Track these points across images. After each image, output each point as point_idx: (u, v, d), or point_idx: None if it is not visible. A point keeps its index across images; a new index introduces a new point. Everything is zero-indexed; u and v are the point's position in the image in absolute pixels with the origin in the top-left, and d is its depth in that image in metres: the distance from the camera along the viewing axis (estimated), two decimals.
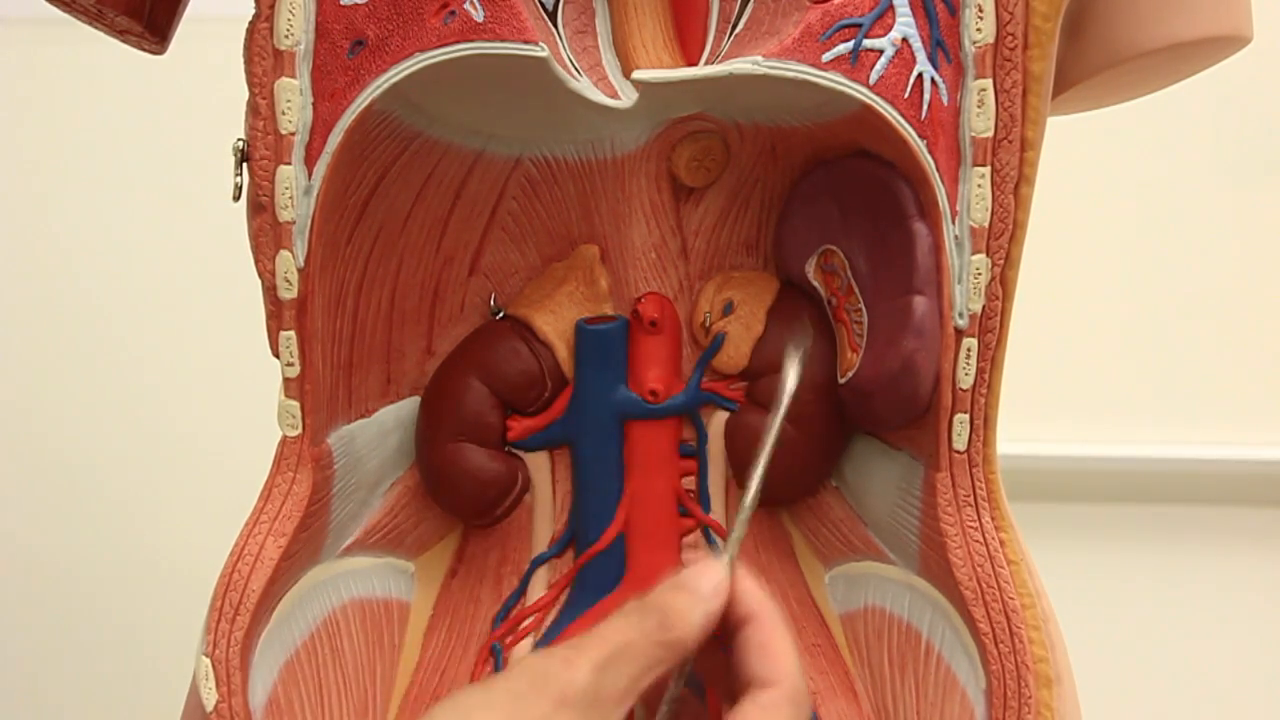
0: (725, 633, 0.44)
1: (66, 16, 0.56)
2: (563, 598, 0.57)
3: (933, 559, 0.52)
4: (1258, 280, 1.26)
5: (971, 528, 0.51)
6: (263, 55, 0.48)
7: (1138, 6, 0.52)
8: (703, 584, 0.44)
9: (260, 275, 0.50)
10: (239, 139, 0.50)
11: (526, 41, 0.47)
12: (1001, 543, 0.51)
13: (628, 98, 0.50)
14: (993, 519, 0.51)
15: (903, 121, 0.48)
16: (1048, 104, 0.50)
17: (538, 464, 0.57)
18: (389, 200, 0.52)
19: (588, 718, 0.40)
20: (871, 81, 0.48)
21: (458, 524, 0.58)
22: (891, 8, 0.48)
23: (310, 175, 0.49)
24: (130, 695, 1.36)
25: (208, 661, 0.49)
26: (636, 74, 0.50)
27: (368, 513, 0.56)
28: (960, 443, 0.51)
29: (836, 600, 0.57)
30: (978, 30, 0.48)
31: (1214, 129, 1.24)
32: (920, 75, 0.48)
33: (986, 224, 0.49)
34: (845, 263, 0.52)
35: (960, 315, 0.50)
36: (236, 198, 0.51)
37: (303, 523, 0.51)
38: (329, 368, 0.52)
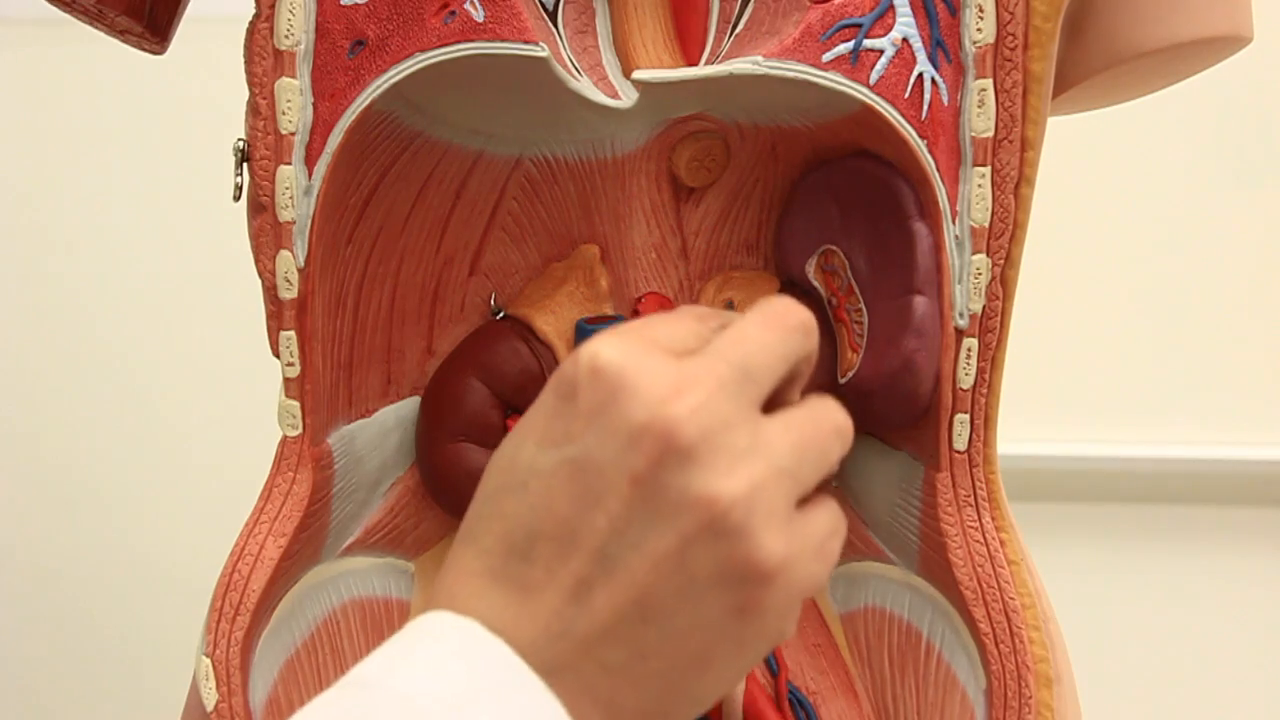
0: None
1: (66, 16, 0.56)
2: None
3: (933, 559, 0.52)
4: (1257, 280, 1.26)
5: (971, 528, 0.51)
6: (263, 55, 0.48)
7: (1138, 7, 0.52)
8: None
9: (260, 275, 0.50)
10: (239, 139, 0.50)
11: (527, 41, 0.47)
12: (1001, 543, 0.51)
13: (628, 98, 0.50)
14: (993, 519, 0.51)
15: (903, 121, 0.48)
16: (1048, 104, 0.50)
17: None
18: (389, 200, 0.52)
19: None
20: (872, 81, 0.48)
21: (457, 524, 0.58)
22: (892, 8, 0.48)
23: (310, 175, 0.49)
24: (131, 695, 1.36)
25: (208, 661, 0.49)
26: (637, 74, 0.50)
27: (368, 513, 0.56)
28: (960, 443, 0.51)
29: (837, 600, 0.57)
30: (978, 30, 0.48)
31: (1214, 129, 1.24)
32: (920, 75, 0.48)
33: (987, 224, 0.49)
34: (845, 263, 0.52)
35: (960, 315, 0.50)
36: (237, 198, 0.51)
37: (303, 523, 0.51)
38: (329, 368, 0.52)
